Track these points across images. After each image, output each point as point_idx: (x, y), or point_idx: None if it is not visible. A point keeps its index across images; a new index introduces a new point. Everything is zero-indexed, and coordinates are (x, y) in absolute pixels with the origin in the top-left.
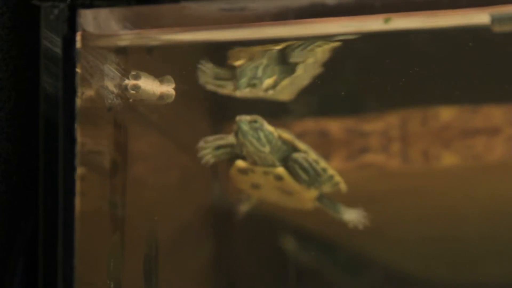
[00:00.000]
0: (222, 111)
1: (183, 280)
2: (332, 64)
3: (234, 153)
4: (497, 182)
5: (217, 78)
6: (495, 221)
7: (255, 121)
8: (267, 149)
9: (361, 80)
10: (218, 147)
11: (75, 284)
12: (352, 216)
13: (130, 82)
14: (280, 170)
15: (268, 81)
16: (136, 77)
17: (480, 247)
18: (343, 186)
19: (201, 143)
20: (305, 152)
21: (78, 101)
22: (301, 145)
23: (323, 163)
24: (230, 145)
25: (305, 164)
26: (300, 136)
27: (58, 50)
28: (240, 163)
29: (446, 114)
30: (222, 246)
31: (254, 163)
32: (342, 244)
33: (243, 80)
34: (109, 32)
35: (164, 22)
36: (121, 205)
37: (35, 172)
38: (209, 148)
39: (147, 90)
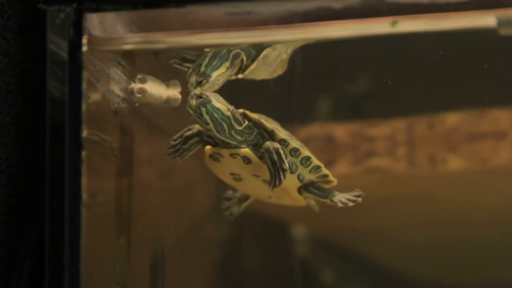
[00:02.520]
0: None
1: (189, 285)
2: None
3: (206, 141)
4: (504, 186)
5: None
6: (501, 225)
7: (200, 96)
8: (211, 126)
9: (367, 84)
10: (186, 140)
11: None
12: (342, 196)
13: (136, 85)
14: (245, 150)
15: (217, 72)
16: (142, 81)
17: (486, 251)
18: (333, 179)
19: (170, 143)
20: (283, 141)
21: (84, 105)
22: (279, 132)
23: (306, 152)
24: (198, 133)
25: (274, 157)
26: (306, 141)
27: (64, 54)
28: (207, 148)
29: (452, 118)
30: (229, 250)
31: (221, 145)
32: (348, 248)
33: (190, 83)
34: (115, 36)
35: (170, 25)
36: (127, 209)
37: (41, 176)
38: (177, 144)
39: (153, 94)
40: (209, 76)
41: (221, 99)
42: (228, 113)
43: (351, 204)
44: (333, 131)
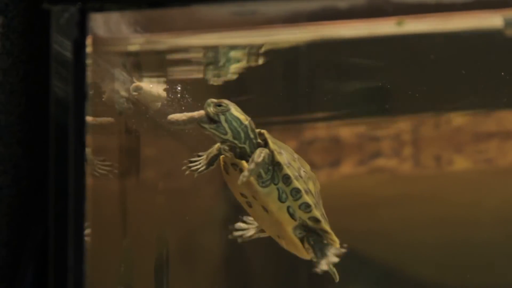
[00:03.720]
0: None
1: (194, 286)
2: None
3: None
4: (510, 186)
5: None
6: (507, 226)
7: (219, 105)
8: (229, 136)
9: (373, 84)
10: (207, 155)
11: None
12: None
13: (133, 84)
14: (244, 162)
15: (235, 66)
16: (138, 79)
17: (492, 251)
18: (333, 238)
19: (192, 158)
20: (287, 177)
21: (89, 106)
22: (286, 168)
23: (306, 197)
24: (218, 150)
25: (259, 158)
26: (311, 141)
27: (68, 54)
28: (221, 157)
29: (459, 118)
30: (234, 251)
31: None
32: (353, 249)
33: (207, 78)
34: (119, 36)
35: (175, 25)
36: (132, 210)
37: (45, 177)
38: (199, 160)
39: (151, 92)
40: (228, 68)
41: (238, 108)
42: (246, 122)
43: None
44: (338, 131)
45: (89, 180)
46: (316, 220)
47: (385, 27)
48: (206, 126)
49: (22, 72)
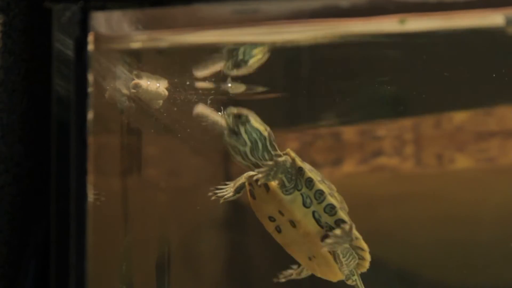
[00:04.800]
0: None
1: (195, 284)
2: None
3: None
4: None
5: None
6: (509, 224)
7: (239, 116)
8: (247, 147)
9: (374, 83)
10: (234, 183)
11: (87, 287)
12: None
13: (132, 81)
14: (272, 183)
15: (254, 59)
16: (138, 76)
17: (494, 250)
18: (363, 246)
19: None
20: (309, 180)
21: (90, 104)
22: (309, 172)
23: (321, 186)
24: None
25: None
26: (314, 140)
27: (70, 52)
28: (246, 173)
29: (460, 116)
30: (235, 250)
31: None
32: None
33: (226, 67)
34: (121, 34)
35: (177, 24)
36: (133, 208)
37: (47, 175)
38: (227, 188)
39: (150, 90)
40: (247, 62)
41: (258, 118)
42: (266, 134)
43: None
44: (340, 130)
45: (90, 178)
46: (343, 222)
47: (387, 25)
48: (227, 139)
49: (23, 71)
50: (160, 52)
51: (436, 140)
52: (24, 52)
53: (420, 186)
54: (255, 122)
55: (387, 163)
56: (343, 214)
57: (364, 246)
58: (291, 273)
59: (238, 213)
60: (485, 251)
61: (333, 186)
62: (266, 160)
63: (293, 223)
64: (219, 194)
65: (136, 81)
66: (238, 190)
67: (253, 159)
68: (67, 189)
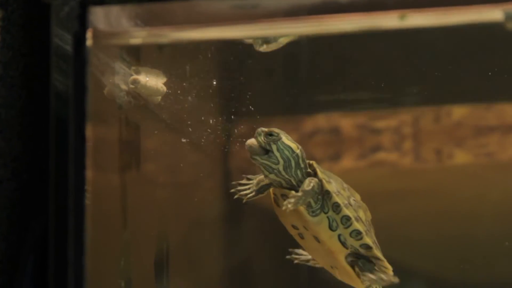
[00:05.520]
0: (232, 108)
1: (194, 279)
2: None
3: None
4: (511, 180)
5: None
6: (508, 220)
7: (271, 134)
8: (280, 165)
9: (373, 77)
10: (258, 182)
11: (86, 283)
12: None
13: (131, 77)
14: (293, 193)
15: (283, 39)
16: (136, 72)
17: (493, 245)
18: (386, 265)
19: (242, 181)
20: (336, 205)
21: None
22: (335, 196)
23: (356, 224)
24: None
25: (308, 187)
26: (312, 133)
27: (68, 47)
28: (272, 189)
29: (459, 112)
30: (234, 246)
31: (280, 185)
32: None
33: (255, 42)
34: (120, 30)
35: (176, 19)
36: (132, 203)
37: (45, 170)
38: (249, 184)
39: (149, 85)
40: (277, 38)
41: (289, 136)
42: (298, 151)
43: None
44: (339, 124)
45: (89, 174)
46: (368, 247)
47: (387, 20)
48: (258, 158)
49: (22, 66)
50: (159, 48)
51: (435, 135)
52: (22, 47)
53: (419, 181)
54: (287, 139)
55: (386, 158)
56: (368, 239)
57: (380, 256)
58: (308, 259)
59: (237, 208)
60: (484, 246)
61: (363, 204)
62: (298, 177)
63: (317, 239)
64: (242, 193)
65: (135, 76)
66: (261, 191)
67: (286, 176)
68: (65, 184)
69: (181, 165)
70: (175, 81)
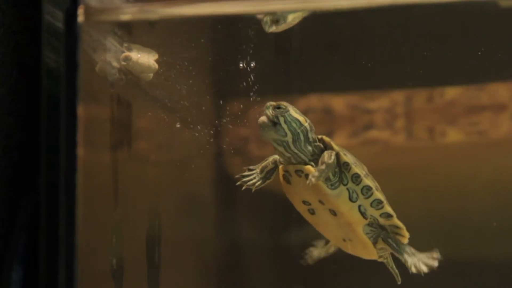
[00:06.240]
0: (226, 87)
1: (185, 258)
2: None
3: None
4: (503, 159)
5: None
6: (500, 199)
7: (279, 107)
8: (288, 137)
9: (366, 56)
10: (262, 169)
11: (77, 261)
12: (417, 260)
13: (122, 54)
14: (308, 167)
15: (293, 15)
16: (128, 49)
17: (485, 224)
18: (405, 233)
19: (245, 172)
20: (356, 176)
21: (80, 76)
22: (355, 167)
23: (367, 181)
24: (273, 161)
25: (330, 160)
26: (304, 112)
27: (60, 24)
28: (280, 167)
29: (452, 90)
30: (227, 224)
31: (289, 162)
32: None
33: (265, 22)
34: (111, 6)
35: None
36: (124, 181)
37: (36, 148)
38: (253, 173)
39: (141, 62)
40: (286, 18)
41: (297, 109)
42: (306, 124)
43: (425, 271)
44: (331, 103)
45: (80, 151)
46: (388, 216)
47: None
48: (266, 132)
49: (13, 43)
50: (151, 24)
51: (427, 113)
52: (13, 24)
53: (411, 159)
54: (294, 112)
55: (378, 136)
56: (389, 208)
57: (400, 224)
58: (319, 252)
59: (229, 186)
60: (477, 224)
61: (364, 167)
62: (308, 151)
63: (333, 212)
64: (249, 183)
65: (127, 53)
66: (268, 176)
67: (295, 150)
68: (56, 162)
69: (173, 143)
70: (167, 58)
